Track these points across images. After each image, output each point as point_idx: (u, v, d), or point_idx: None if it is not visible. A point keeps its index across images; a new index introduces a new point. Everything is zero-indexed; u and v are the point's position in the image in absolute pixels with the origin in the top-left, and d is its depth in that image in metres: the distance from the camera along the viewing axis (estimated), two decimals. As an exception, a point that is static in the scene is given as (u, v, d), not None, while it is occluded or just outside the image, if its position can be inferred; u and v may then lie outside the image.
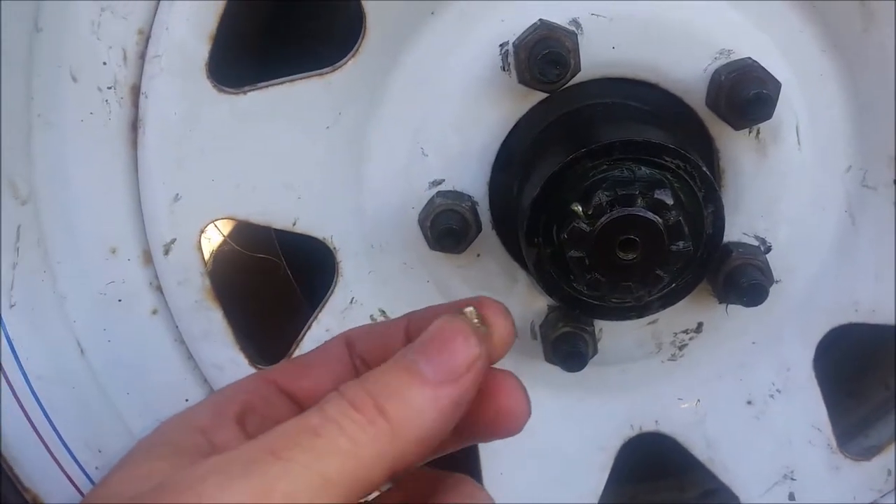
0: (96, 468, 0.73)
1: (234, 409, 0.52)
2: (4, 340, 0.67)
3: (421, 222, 0.73)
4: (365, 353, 0.56)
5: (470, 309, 0.50)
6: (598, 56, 0.68)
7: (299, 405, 0.53)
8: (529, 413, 0.51)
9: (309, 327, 0.78)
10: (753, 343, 0.79)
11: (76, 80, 0.66)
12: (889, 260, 0.75)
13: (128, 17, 0.65)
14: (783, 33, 0.69)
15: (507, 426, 0.50)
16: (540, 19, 0.66)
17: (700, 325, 0.78)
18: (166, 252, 0.72)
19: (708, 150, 0.72)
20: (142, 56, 0.66)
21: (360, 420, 0.42)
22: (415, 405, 0.43)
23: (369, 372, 0.45)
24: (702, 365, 0.80)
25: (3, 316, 0.67)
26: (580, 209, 0.65)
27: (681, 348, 0.80)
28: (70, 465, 0.72)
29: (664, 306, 0.70)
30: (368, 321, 0.78)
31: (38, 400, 0.70)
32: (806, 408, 0.79)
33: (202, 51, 0.66)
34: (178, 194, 0.70)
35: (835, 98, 0.71)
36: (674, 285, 0.68)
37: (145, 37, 0.66)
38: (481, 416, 0.49)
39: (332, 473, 0.41)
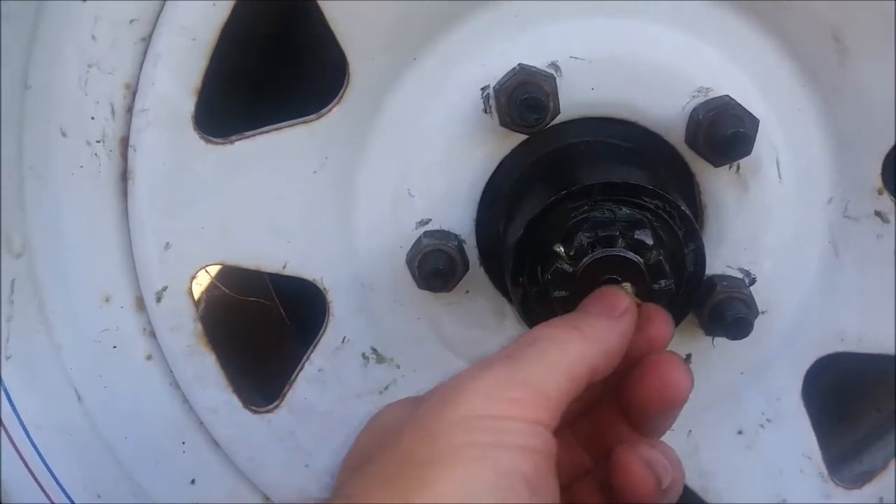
0: (95, 513, 0.75)
1: None
2: (2, 393, 0.68)
3: (409, 262, 0.74)
4: None
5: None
6: (577, 97, 0.69)
7: None
8: (691, 385, 0.60)
9: (302, 367, 0.79)
10: (742, 373, 0.80)
11: (65, 134, 0.68)
12: (873, 289, 0.76)
13: (114, 73, 0.66)
14: (761, 70, 0.70)
15: (672, 395, 0.59)
16: (519, 64, 0.67)
17: (689, 356, 0.79)
18: (158, 299, 0.73)
19: (689, 185, 0.73)
20: (129, 109, 0.68)
21: (564, 332, 0.56)
22: (593, 324, 0.58)
23: None
24: (693, 396, 0.80)
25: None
26: (562, 250, 0.65)
27: (670, 379, 0.80)
28: (69, 510, 0.73)
29: (650, 342, 0.70)
30: (360, 360, 0.80)
31: (37, 449, 0.71)
32: (796, 437, 0.80)
33: (188, 104, 0.67)
34: (168, 243, 0.72)
35: (814, 132, 0.72)
36: (658, 322, 0.69)
37: (132, 91, 0.67)
38: (648, 387, 0.59)
39: (564, 366, 0.53)
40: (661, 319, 0.63)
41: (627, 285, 0.63)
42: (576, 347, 0.55)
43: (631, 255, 0.64)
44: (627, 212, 0.65)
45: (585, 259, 0.65)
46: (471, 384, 0.51)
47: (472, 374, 0.52)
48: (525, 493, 0.47)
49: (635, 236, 0.64)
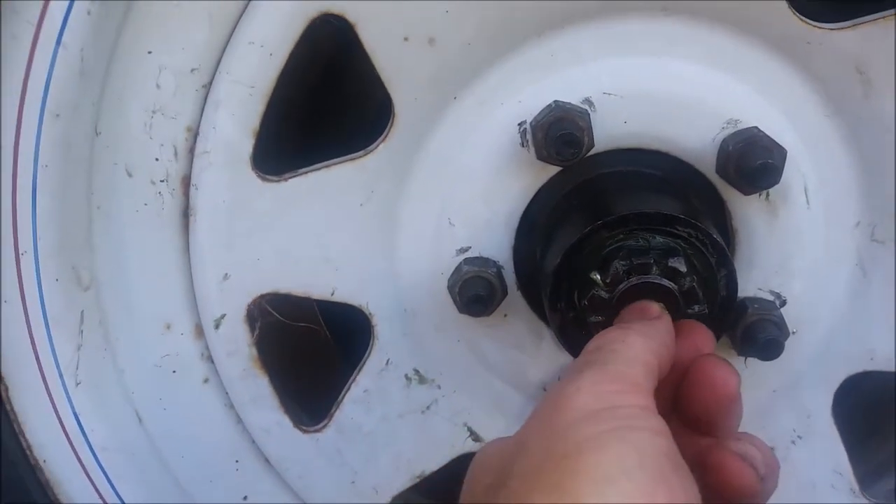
0: (156, 529, 0.79)
1: None
2: (72, 417, 0.73)
3: (450, 288, 0.78)
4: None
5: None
6: (610, 130, 0.73)
7: None
8: (737, 378, 0.62)
9: (348, 389, 0.82)
10: (774, 391, 0.82)
11: (131, 175, 0.72)
12: (901, 309, 0.78)
13: (177, 118, 0.71)
14: (788, 101, 0.73)
15: (722, 391, 0.61)
16: (555, 100, 0.71)
17: (722, 375, 0.82)
18: (217, 326, 0.77)
19: (720, 212, 0.76)
20: (191, 151, 0.72)
21: (622, 334, 0.60)
22: (640, 325, 0.62)
23: None
24: (725, 413, 0.83)
25: (70, 394, 0.72)
26: (599, 278, 0.69)
27: (704, 398, 0.83)
28: (133, 527, 0.78)
29: (684, 364, 0.73)
30: (403, 381, 0.83)
31: (103, 469, 0.75)
32: (827, 453, 0.82)
33: (247, 145, 0.72)
34: (226, 273, 0.76)
35: (841, 159, 0.75)
36: (692, 344, 0.72)
37: (194, 133, 0.72)
38: (700, 389, 0.61)
39: (636, 357, 0.57)
40: (700, 330, 0.66)
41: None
42: (638, 341, 0.59)
43: (665, 281, 0.67)
44: (661, 240, 0.68)
45: (621, 286, 0.68)
46: (571, 389, 0.53)
47: (566, 382, 0.54)
48: (668, 468, 0.49)
49: (669, 264, 0.67)
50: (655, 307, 0.66)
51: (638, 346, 0.58)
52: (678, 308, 0.68)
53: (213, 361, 0.80)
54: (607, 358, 0.57)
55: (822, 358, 0.81)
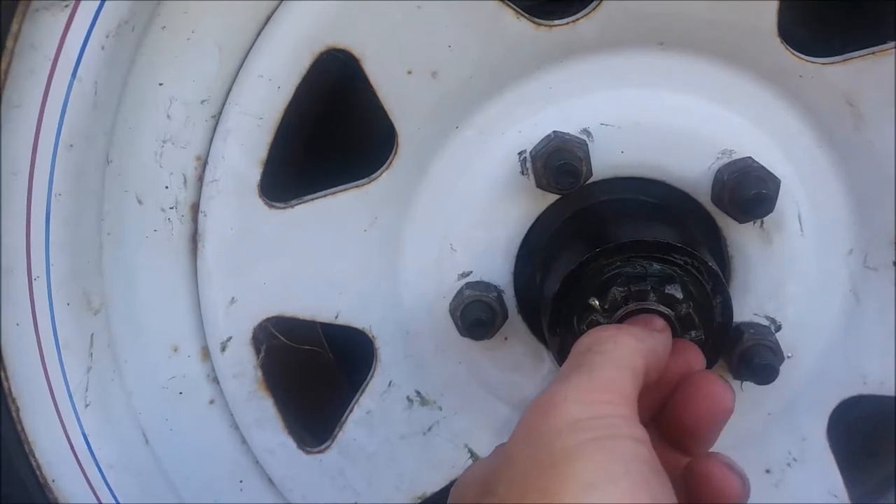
0: (162, 547, 0.80)
1: None
2: (81, 438, 0.74)
3: (451, 312, 0.79)
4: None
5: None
6: (608, 159, 0.74)
7: None
8: (733, 396, 0.63)
9: (351, 410, 0.84)
10: (769, 414, 0.84)
11: (141, 202, 0.74)
12: (893, 335, 0.80)
13: (187, 147, 0.73)
14: (782, 132, 0.75)
15: (718, 408, 0.62)
16: (554, 131, 0.73)
17: (718, 398, 0.83)
18: (223, 349, 0.79)
19: (716, 239, 0.78)
20: (200, 179, 0.74)
21: (614, 333, 0.60)
22: (636, 329, 0.63)
23: None
24: (722, 435, 0.84)
25: (80, 415, 0.74)
26: (597, 303, 0.70)
27: (701, 421, 0.84)
28: (139, 545, 0.79)
29: (681, 388, 0.75)
30: (405, 403, 0.85)
31: (111, 488, 0.77)
32: (822, 476, 0.83)
33: (255, 174, 0.74)
34: (233, 297, 0.78)
35: (833, 188, 0.77)
36: (689, 369, 0.73)
37: (203, 162, 0.74)
38: (694, 403, 0.62)
39: (623, 360, 0.58)
40: (692, 349, 0.67)
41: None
42: (629, 341, 0.59)
43: (662, 308, 0.69)
44: (658, 267, 0.70)
45: (619, 312, 0.69)
46: (558, 398, 0.54)
47: (554, 389, 0.55)
48: (651, 475, 0.51)
49: (666, 290, 0.69)
50: (660, 322, 0.67)
51: (627, 348, 0.59)
52: (675, 334, 0.70)
53: (218, 383, 0.81)
54: (595, 362, 0.57)
55: (817, 382, 0.82)
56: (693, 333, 0.70)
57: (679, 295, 0.69)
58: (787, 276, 0.79)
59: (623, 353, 0.58)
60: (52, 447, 0.74)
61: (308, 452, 0.83)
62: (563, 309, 0.72)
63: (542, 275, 0.78)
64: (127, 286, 0.76)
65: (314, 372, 0.88)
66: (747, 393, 0.82)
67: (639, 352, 0.59)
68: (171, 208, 0.75)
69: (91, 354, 0.74)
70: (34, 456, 0.73)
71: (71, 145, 0.66)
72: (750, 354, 0.77)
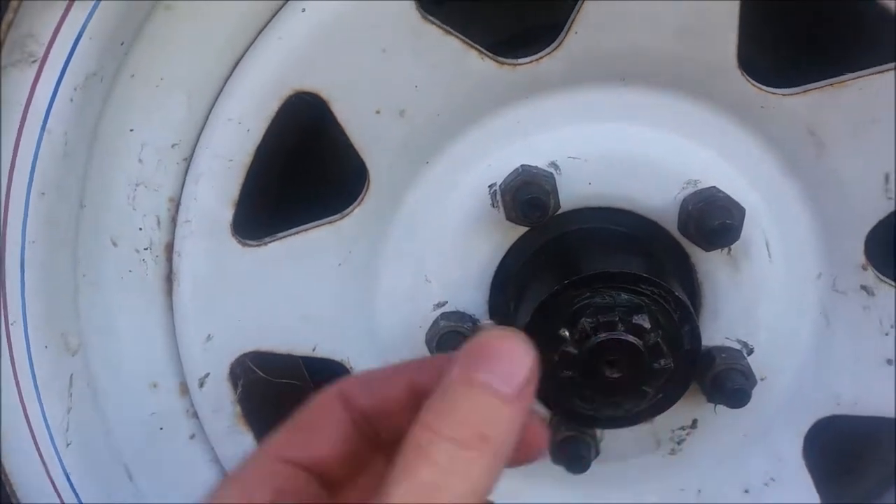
0: (148, 586, 0.81)
1: (265, 499, 0.50)
2: (63, 477, 0.75)
3: (427, 343, 0.80)
4: (365, 408, 0.54)
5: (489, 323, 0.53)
6: (576, 191, 0.75)
7: (318, 477, 0.53)
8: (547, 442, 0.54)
9: (332, 441, 0.85)
10: (745, 436, 0.85)
11: (116, 244, 0.75)
12: (864, 356, 0.81)
13: (159, 189, 0.74)
14: (746, 162, 0.76)
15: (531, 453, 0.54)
16: (521, 164, 0.74)
17: (695, 421, 0.84)
18: (201, 385, 0.80)
19: (685, 266, 0.79)
20: (173, 219, 0.75)
21: (473, 457, 0.45)
22: (505, 423, 0.46)
23: (438, 398, 0.46)
24: (700, 457, 0.86)
25: (61, 455, 0.75)
26: (567, 334, 0.71)
27: (679, 443, 0.85)
28: (124, 583, 0.80)
29: (654, 415, 0.76)
30: (386, 432, 0.85)
31: (94, 527, 0.78)
32: (799, 495, 0.84)
33: (227, 214, 0.75)
34: (209, 335, 0.79)
35: (799, 215, 0.78)
36: (661, 395, 0.74)
37: (176, 203, 0.75)
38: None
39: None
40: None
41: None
42: (483, 475, 0.45)
43: (631, 337, 0.70)
44: (626, 297, 0.71)
45: (589, 342, 0.71)
46: None
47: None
48: None
49: (634, 321, 0.70)
50: (526, 364, 0.48)
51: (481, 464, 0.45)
52: (644, 363, 0.71)
53: (198, 418, 0.82)
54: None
55: (791, 403, 0.83)
56: (662, 362, 0.71)
57: (647, 325, 0.70)
58: (757, 300, 0.80)
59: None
60: (34, 488, 0.74)
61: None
62: (534, 339, 0.73)
63: (515, 304, 0.79)
64: (104, 326, 0.77)
65: (294, 405, 0.89)
66: (723, 416, 0.83)
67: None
68: (146, 249, 0.76)
69: (71, 395, 0.75)
70: (16, 497, 0.74)
71: (43, 193, 0.67)
72: (722, 378, 0.78)
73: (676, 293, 0.71)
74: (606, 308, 0.71)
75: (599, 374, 0.72)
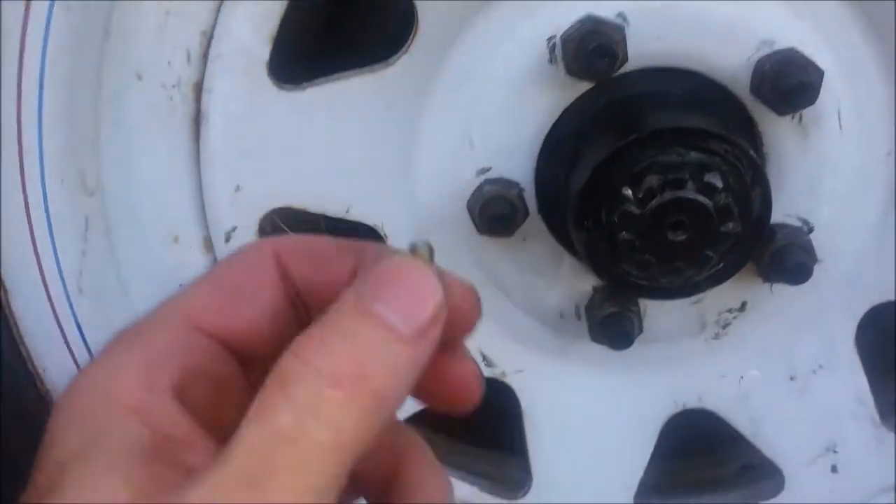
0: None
1: (168, 379, 0.41)
2: (74, 326, 0.70)
3: (470, 208, 0.75)
4: (301, 281, 0.45)
5: (423, 242, 0.41)
6: (643, 47, 0.69)
7: (239, 355, 0.44)
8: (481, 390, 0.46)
9: (361, 309, 0.80)
10: (795, 321, 0.81)
11: (141, 78, 0.69)
12: (928, 240, 0.77)
13: (191, 21, 0.67)
14: (825, 23, 0.70)
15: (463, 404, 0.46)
16: (587, 13, 0.68)
17: (744, 304, 0.80)
18: (227, 239, 0.74)
19: (751, 134, 0.74)
20: (204, 56, 0.68)
21: (342, 400, 0.36)
22: (397, 366, 0.37)
23: (321, 322, 0.38)
24: (745, 342, 0.82)
25: (73, 301, 0.69)
26: (630, 193, 0.67)
27: (724, 327, 0.82)
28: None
29: (712, 285, 0.72)
30: (418, 305, 0.81)
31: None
32: (849, 382, 0.82)
33: (264, 51, 0.68)
34: (238, 185, 0.73)
35: (876, 84, 0.73)
36: (722, 265, 0.70)
37: (208, 38, 0.68)
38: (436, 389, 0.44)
39: (324, 482, 0.36)
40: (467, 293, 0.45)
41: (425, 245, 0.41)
42: (354, 429, 0.36)
43: (700, 197, 0.66)
44: (696, 156, 0.66)
45: (653, 201, 0.66)
46: None
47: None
48: None
49: (705, 179, 0.65)
50: (435, 295, 0.39)
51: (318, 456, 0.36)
52: (712, 225, 0.66)
53: (222, 278, 0.77)
54: (259, 488, 0.35)
55: (848, 287, 0.80)
56: (731, 226, 0.67)
57: (718, 184, 0.66)
58: (823, 175, 0.75)
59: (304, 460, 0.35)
60: (43, 334, 0.69)
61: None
62: (591, 200, 0.68)
63: (566, 170, 0.74)
64: (125, 169, 0.71)
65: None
66: (775, 298, 0.80)
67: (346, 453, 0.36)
68: (174, 86, 0.69)
69: (86, 238, 0.69)
70: (24, 343, 0.68)
71: (69, 7, 0.61)
72: (782, 254, 0.74)
73: (751, 153, 0.66)
74: (675, 166, 0.66)
75: (662, 237, 0.67)
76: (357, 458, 0.37)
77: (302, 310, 0.46)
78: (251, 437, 0.36)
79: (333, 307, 0.38)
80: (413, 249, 0.41)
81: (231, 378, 0.44)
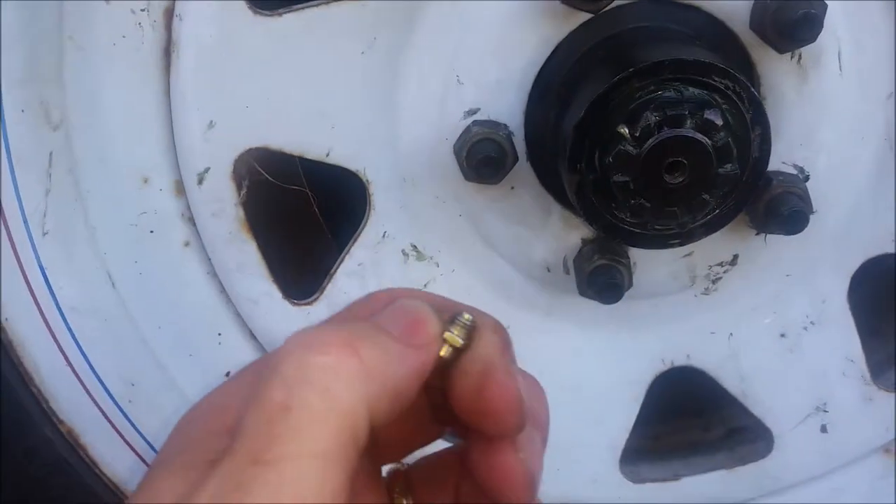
0: (129, 401, 0.72)
1: None
2: (38, 271, 0.66)
3: (457, 152, 0.72)
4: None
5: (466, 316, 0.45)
6: (641, -23, 0.67)
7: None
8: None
9: (342, 261, 0.77)
10: (788, 275, 0.79)
11: (108, 2, 0.64)
12: (927, 188, 0.75)
13: (160, -62, 0.63)
14: (827, -44, 0.68)
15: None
16: (582, -61, 0.65)
17: (735, 257, 0.78)
18: (200, 181, 0.70)
19: (749, 76, 0.71)
20: (175, -21, 0.64)
21: (330, 363, 0.38)
22: (385, 349, 0.41)
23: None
24: (736, 298, 0.80)
25: (36, 244, 0.65)
26: (627, 131, 0.64)
27: (715, 281, 0.79)
28: (104, 398, 0.71)
29: (707, 233, 0.69)
30: (400, 256, 0.78)
31: (72, 332, 0.69)
32: (840, 340, 0.80)
33: (239, -29, 0.64)
34: (212, 121, 0.69)
35: (878, 25, 0.71)
36: (717, 211, 0.67)
37: (179, -42, 0.64)
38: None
39: (326, 446, 0.37)
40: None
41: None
42: (350, 387, 0.38)
43: (699, 135, 0.63)
44: (696, 92, 0.63)
45: (651, 140, 0.63)
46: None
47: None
48: None
49: (705, 116, 0.62)
50: (431, 327, 0.43)
51: (344, 396, 0.38)
52: (710, 166, 0.64)
53: (194, 223, 0.73)
54: (264, 462, 0.37)
55: (842, 239, 0.77)
56: (729, 167, 0.64)
57: (718, 122, 0.63)
58: (821, 120, 0.73)
59: (330, 411, 0.38)
60: (5, 279, 0.65)
61: (294, 304, 0.76)
62: (585, 141, 0.65)
63: (558, 111, 0.70)
64: (91, 102, 0.67)
65: (299, 217, 0.80)
66: (767, 251, 0.77)
67: (361, 402, 0.39)
68: (143, 10, 0.65)
69: (50, 175, 0.65)
70: (-17, 290, 0.64)
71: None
72: (778, 202, 0.72)
73: (751, 89, 0.63)
74: (674, 102, 0.63)
75: (658, 179, 0.64)
76: (360, 426, 0.38)
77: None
78: (250, 419, 0.38)
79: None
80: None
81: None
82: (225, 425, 0.42)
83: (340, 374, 0.38)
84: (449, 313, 0.44)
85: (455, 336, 0.44)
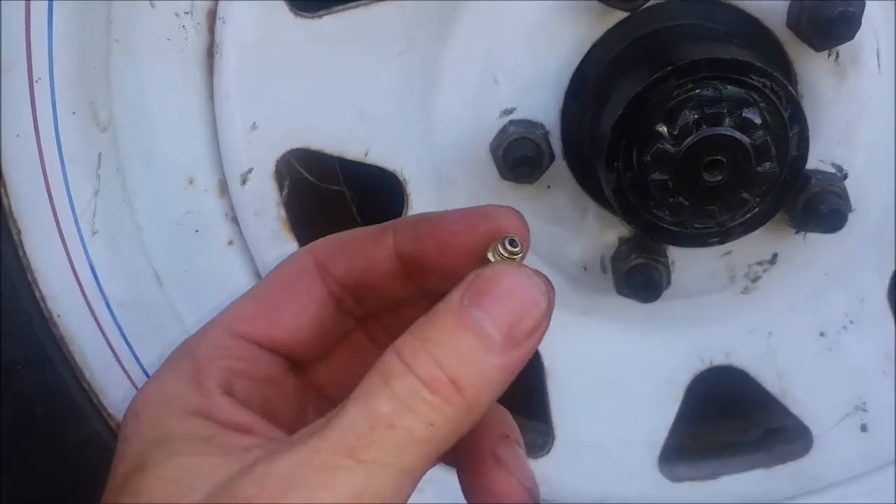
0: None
1: (214, 379, 0.46)
2: (88, 269, 0.67)
3: (493, 151, 0.72)
4: (343, 278, 0.50)
5: (506, 241, 0.44)
6: (678, -24, 0.67)
7: (284, 357, 0.50)
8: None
9: (380, 260, 0.78)
10: (827, 274, 0.79)
11: (153, 5, 0.66)
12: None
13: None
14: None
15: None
16: (621, -61, 0.65)
17: (775, 256, 0.78)
18: (243, 181, 0.72)
19: (786, 74, 0.71)
20: (218, -18, 0.66)
21: (437, 402, 0.40)
22: (487, 375, 0.41)
23: (423, 325, 0.41)
24: (775, 297, 0.80)
25: (86, 243, 0.67)
26: (665, 130, 0.64)
27: (754, 280, 0.79)
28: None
29: (745, 232, 0.69)
30: (438, 255, 0.78)
31: (120, 327, 0.70)
32: (879, 338, 0.79)
33: (280, -25, 0.65)
34: (255, 122, 0.70)
35: (918, 20, 0.70)
36: (756, 210, 0.67)
37: (222, -37, 0.65)
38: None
39: (412, 465, 0.40)
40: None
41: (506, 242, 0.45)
42: (446, 427, 0.40)
43: (738, 134, 0.63)
44: (734, 90, 0.63)
45: (689, 138, 0.63)
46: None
47: (303, 493, 0.39)
48: None
49: (743, 115, 0.62)
50: (526, 281, 0.43)
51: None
52: (749, 164, 0.64)
53: (238, 222, 0.74)
54: (357, 457, 0.39)
55: (881, 238, 0.77)
56: (768, 165, 0.64)
57: (757, 120, 0.63)
58: (859, 118, 0.73)
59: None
60: (56, 277, 0.67)
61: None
62: (623, 139, 0.66)
63: (595, 110, 0.71)
64: (137, 104, 0.69)
65: (339, 217, 0.81)
66: (806, 250, 0.77)
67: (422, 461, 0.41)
68: (187, 13, 0.66)
69: (99, 176, 0.67)
70: (38, 287, 0.66)
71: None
72: (816, 201, 0.71)
73: (790, 88, 0.63)
74: (712, 101, 0.63)
75: (696, 178, 0.64)
76: (443, 451, 0.41)
77: (352, 301, 0.51)
78: (353, 415, 0.40)
79: (437, 308, 0.42)
80: (511, 243, 0.44)
81: (276, 376, 0.49)
82: (197, 412, 0.44)
83: (446, 413, 0.40)
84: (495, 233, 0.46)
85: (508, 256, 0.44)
